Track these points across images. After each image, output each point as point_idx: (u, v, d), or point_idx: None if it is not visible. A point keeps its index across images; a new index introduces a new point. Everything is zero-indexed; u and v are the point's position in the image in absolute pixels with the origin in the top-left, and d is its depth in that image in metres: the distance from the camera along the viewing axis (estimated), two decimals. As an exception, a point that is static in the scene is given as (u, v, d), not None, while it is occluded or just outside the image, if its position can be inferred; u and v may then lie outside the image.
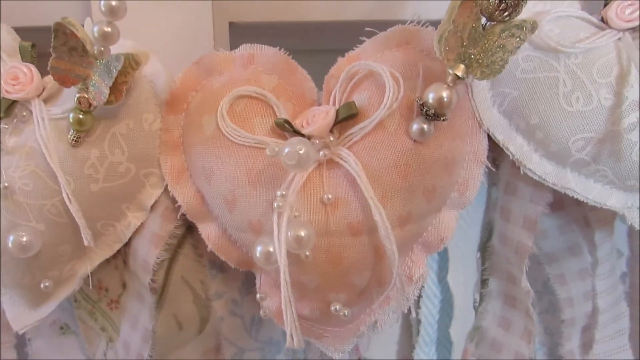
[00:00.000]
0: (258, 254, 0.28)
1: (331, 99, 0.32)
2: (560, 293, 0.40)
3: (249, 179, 0.31)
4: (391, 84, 0.30)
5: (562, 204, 0.38)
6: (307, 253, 0.29)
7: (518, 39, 0.27)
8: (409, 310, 0.36)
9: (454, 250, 0.37)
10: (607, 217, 0.38)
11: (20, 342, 0.44)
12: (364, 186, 0.29)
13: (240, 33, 0.41)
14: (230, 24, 0.41)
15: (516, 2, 0.26)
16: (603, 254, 0.40)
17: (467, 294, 0.39)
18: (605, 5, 0.31)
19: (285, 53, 0.33)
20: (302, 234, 0.28)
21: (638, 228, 0.33)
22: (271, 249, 0.28)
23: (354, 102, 0.31)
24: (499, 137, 0.32)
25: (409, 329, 0.40)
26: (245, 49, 0.34)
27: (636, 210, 0.32)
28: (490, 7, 0.27)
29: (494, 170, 0.37)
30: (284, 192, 0.29)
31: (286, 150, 0.27)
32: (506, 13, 0.27)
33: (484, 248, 0.40)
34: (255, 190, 0.30)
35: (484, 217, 0.39)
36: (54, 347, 0.44)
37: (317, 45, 0.44)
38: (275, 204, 0.28)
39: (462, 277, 0.38)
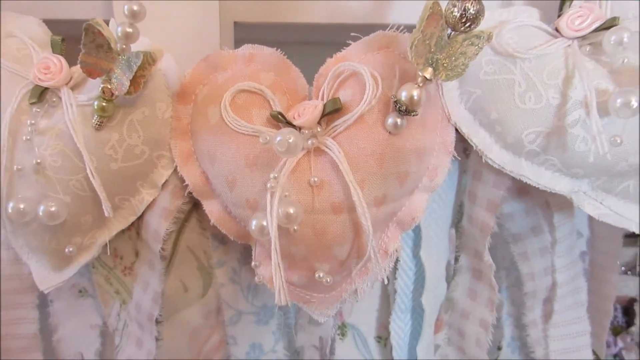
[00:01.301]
0: (253, 227, 0.33)
1: (320, 94, 0.37)
2: (523, 269, 0.45)
3: (247, 163, 0.35)
4: (371, 83, 0.34)
5: (527, 189, 0.43)
6: (295, 227, 0.34)
7: (477, 47, 0.32)
8: (387, 280, 0.41)
9: (427, 229, 0.42)
10: (566, 202, 0.43)
11: (42, 303, 0.48)
12: (345, 171, 0.34)
13: (244, 32, 0.46)
14: (235, 23, 0.45)
15: (475, 16, 0.31)
16: (562, 235, 0.44)
17: (439, 267, 0.44)
18: (559, 16, 0.36)
19: (281, 53, 0.38)
20: (291, 211, 0.33)
21: (585, 210, 0.37)
22: (265, 223, 0.33)
23: (339, 98, 0.35)
24: (464, 130, 0.37)
25: (387, 298, 0.45)
26: (246, 48, 0.38)
27: (582, 194, 0.37)
28: (454, 20, 0.31)
29: (464, 159, 0.42)
30: (276, 175, 0.34)
31: (278, 138, 0.32)
32: (467, 25, 0.31)
33: (457, 228, 0.45)
34: (252, 172, 0.35)
35: (456, 200, 0.44)
36: (72, 307, 0.48)
37: (314, 41, 0.48)
38: (268, 185, 0.33)
39: (435, 253, 0.43)
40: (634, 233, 0.70)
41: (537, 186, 0.37)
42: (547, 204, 0.44)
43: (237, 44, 0.44)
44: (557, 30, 0.36)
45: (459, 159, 0.39)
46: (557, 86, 0.34)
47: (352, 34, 0.37)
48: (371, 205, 0.35)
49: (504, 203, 0.44)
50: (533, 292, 0.46)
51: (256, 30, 0.47)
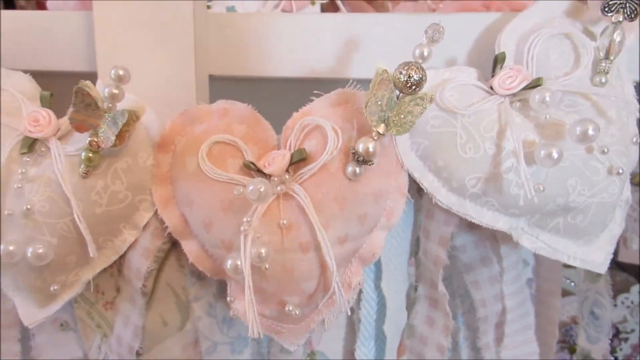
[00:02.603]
0: (228, 267, 0.37)
1: (288, 144, 0.41)
2: (475, 296, 0.50)
3: (222, 207, 0.39)
4: (332, 136, 0.39)
5: (476, 224, 0.48)
6: (267, 266, 0.38)
7: (421, 107, 0.37)
8: (352, 311, 0.45)
9: (387, 262, 0.46)
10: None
11: (24, 337, 0.50)
12: (311, 214, 0.38)
13: (219, 85, 0.50)
14: (210, 76, 0.49)
15: (419, 81, 0.36)
16: (508, 264, 0.49)
17: (399, 297, 0.49)
18: (493, 76, 0.41)
19: (253, 108, 0.42)
20: (263, 251, 0.37)
21: (523, 244, 0.42)
22: (239, 263, 0.37)
23: (304, 148, 0.40)
24: (416, 175, 0.42)
25: (353, 326, 0.49)
26: (221, 103, 0.42)
27: (520, 230, 0.42)
28: (401, 84, 0.36)
29: (418, 199, 0.46)
30: (248, 219, 0.38)
31: (250, 188, 0.36)
32: (412, 88, 0.36)
33: (415, 260, 0.49)
34: (227, 216, 0.39)
35: (412, 236, 0.49)
36: (54, 341, 0.50)
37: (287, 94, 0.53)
38: (242, 228, 0.37)
39: (395, 284, 0.48)
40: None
41: (480, 224, 0.41)
42: (494, 237, 0.49)
43: (212, 96, 0.48)
44: (492, 88, 0.41)
45: (413, 200, 0.43)
46: (492, 138, 0.39)
47: (315, 91, 0.41)
48: (335, 244, 0.39)
49: (456, 237, 0.49)
50: (485, 317, 0.50)
51: (230, 83, 0.51)
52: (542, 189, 0.36)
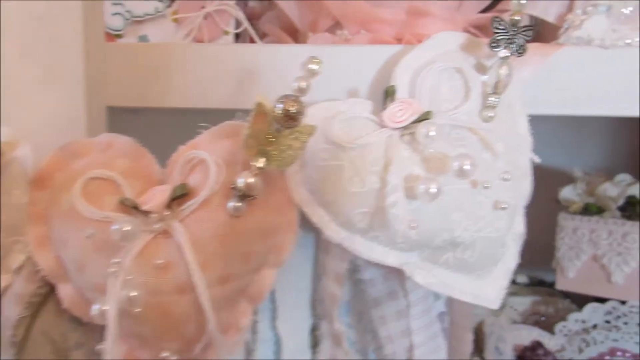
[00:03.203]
0: (95, 312, 0.35)
1: (172, 179, 0.39)
2: (381, 332, 0.49)
3: (95, 248, 0.37)
4: (214, 170, 0.37)
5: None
6: (138, 309, 0.36)
7: (301, 141, 0.36)
8: (249, 352, 0.43)
9: (284, 300, 0.45)
10: (416, 269, 0.47)
11: None
12: (187, 253, 0.36)
13: (117, 116, 0.48)
14: (108, 107, 0.47)
15: (296, 114, 0.35)
16: (415, 298, 0.48)
17: (299, 336, 0.47)
18: (384, 109, 0.41)
19: (138, 142, 0.40)
20: (133, 294, 0.35)
21: (416, 280, 0.41)
22: (105, 308, 0.35)
23: (186, 183, 0.38)
24: (306, 210, 0.40)
25: (252, 368, 0.47)
26: (104, 136, 0.41)
27: (413, 265, 0.41)
28: (280, 118, 0.35)
29: (317, 234, 0.45)
30: (119, 260, 0.35)
31: (113, 227, 0.34)
32: (290, 122, 0.35)
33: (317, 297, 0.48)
34: (99, 257, 0.37)
35: (313, 272, 0.47)
36: None
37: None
38: (110, 270, 0.35)
39: (293, 322, 0.46)
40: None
41: (369, 260, 0.40)
42: (400, 270, 0.48)
43: (111, 128, 0.46)
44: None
45: (313, 234, 0.42)
46: (378, 172, 0.38)
47: (201, 124, 0.40)
48: (215, 284, 0.37)
49: (364, 270, 0.48)
50: (393, 353, 0.49)
51: (130, 115, 0.49)
52: (415, 225, 0.35)
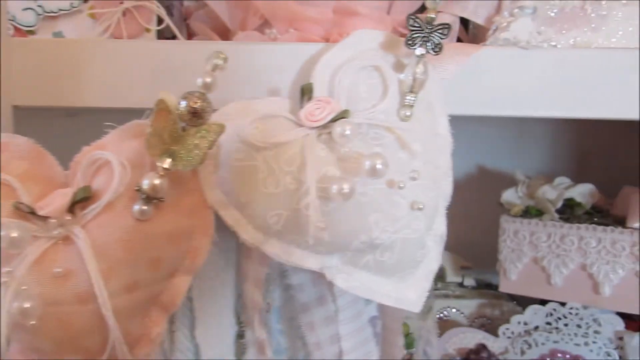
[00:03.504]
0: (-17, 324, 0.32)
1: (75, 182, 0.37)
2: (310, 339, 0.47)
3: (-13, 256, 0.35)
4: (119, 171, 0.35)
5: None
6: (33, 322, 0.33)
7: (208, 139, 0.34)
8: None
9: (203, 309, 0.43)
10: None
11: None
12: (88, 260, 0.34)
13: (24, 116, 0.46)
14: (15, 107, 0.45)
15: (201, 112, 0.33)
16: (344, 303, 0.47)
17: (221, 345, 0.45)
18: (302, 107, 0.39)
19: (35, 142, 0.38)
20: (27, 305, 0.33)
21: (337, 284, 0.40)
22: (-4, 320, 0.32)
23: (89, 186, 0.36)
24: (221, 213, 0.39)
25: (171, 379, 0.45)
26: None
27: (334, 269, 0.40)
28: (184, 116, 0.33)
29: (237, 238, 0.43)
30: (10, 269, 0.33)
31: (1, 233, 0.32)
32: (195, 119, 0.33)
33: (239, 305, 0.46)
34: (-8, 265, 0.34)
35: (236, 279, 0.46)
36: None
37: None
38: (1, 279, 0.33)
39: (214, 331, 0.44)
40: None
41: (287, 263, 0.39)
42: (329, 275, 0.46)
43: (17, 129, 0.44)
44: (305, 119, 0.39)
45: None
46: (293, 173, 0.37)
47: (106, 122, 0.38)
48: (121, 293, 0.35)
49: (293, 274, 0.47)
50: (321, 360, 0.48)
51: (37, 114, 0.47)
52: (323, 226, 0.34)
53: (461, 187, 0.84)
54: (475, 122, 0.82)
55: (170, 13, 0.57)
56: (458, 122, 0.81)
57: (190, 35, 0.56)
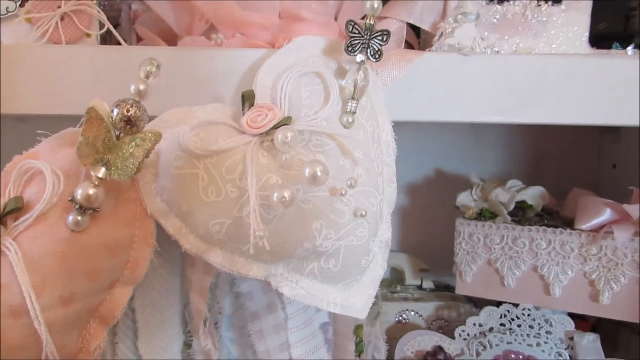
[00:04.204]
0: None
1: (7, 192, 0.36)
2: (259, 347, 0.47)
3: None
4: (52, 181, 0.34)
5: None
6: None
7: (143, 148, 0.33)
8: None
9: (148, 318, 0.42)
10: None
11: None
12: (19, 273, 0.33)
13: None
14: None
15: (135, 120, 0.33)
16: (293, 310, 0.47)
17: (169, 355, 0.44)
18: (243, 115, 0.39)
19: None
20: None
21: (283, 291, 0.39)
22: None
23: (20, 196, 0.35)
24: (162, 222, 0.38)
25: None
26: None
27: (279, 276, 0.39)
28: (118, 124, 0.33)
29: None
30: None
31: None
32: (129, 127, 0.33)
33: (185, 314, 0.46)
34: None
35: (182, 288, 0.45)
36: None
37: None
38: None
39: (160, 342, 0.43)
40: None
41: (231, 272, 0.38)
42: (279, 282, 0.46)
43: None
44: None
45: (171, 248, 0.40)
46: (234, 180, 0.36)
47: (39, 131, 0.37)
48: (57, 305, 0.34)
49: (242, 282, 0.46)
50: (271, 369, 0.47)
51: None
52: (262, 234, 0.34)
53: (420, 191, 0.86)
54: (433, 126, 0.83)
55: (118, 17, 0.56)
56: (416, 127, 0.82)
57: (139, 40, 0.55)
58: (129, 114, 0.32)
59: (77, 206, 0.34)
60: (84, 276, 0.35)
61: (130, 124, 0.32)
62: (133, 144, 0.33)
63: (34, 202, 0.35)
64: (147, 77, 0.33)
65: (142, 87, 0.33)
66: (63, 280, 0.35)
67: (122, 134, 0.33)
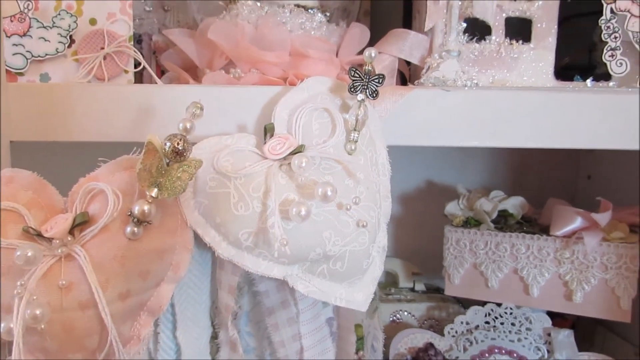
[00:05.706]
0: (2, 330, 0.39)
1: (74, 208, 0.44)
2: (274, 338, 0.55)
3: (2, 272, 0.41)
4: (112, 199, 0.42)
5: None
6: (43, 326, 0.40)
7: (188, 173, 0.41)
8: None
9: (184, 312, 0.50)
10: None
11: None
12: (88, 273, 0.41)
13: (21, 150, 0.51)
14: (11, 142, 0.50)
15: (182, 152, 0.41)
16: (304, 306, 0.55)
17: (199, 344, 0.52)
18: (265, 143, 0.47)
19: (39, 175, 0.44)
20: (38, 312, 0.39)
21: (298, 289, 0.47)
22: (12, 326, 0.39)
23: (87, 211, 0.43)
24: (199, 231, 0.46)
25: (154, 375, 0.52)
26: (7, 171, 0.44)
27: (295, 276, 0.47)
28: (168, 154, 0.41)
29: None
30: (22, 282, 0.39)
31: (17, 253, 0.38)
32: (178, 157, 0.41)
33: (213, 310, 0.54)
34: (6, 281, 0.41)
35: (211, 287, 0.53)
36: None
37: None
38: (15, 291, 0.39)
39: (193, 332, 0.51)
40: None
41: (256, 272, 0.46)
42: (291, 282, 0.54)
43: (14, 162, 0.49)
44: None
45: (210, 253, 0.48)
46: (259, 198, 0.44)
47: (100, 158, 0.45)
48: (116, 300, 0.42)
49: (260, 282, 0.54)
50: (285, 356, 0.55)
51: (33, 148, 0.52)
52: (285, 243, 0.42)
53: (412, 201, 0.92)
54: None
55: (139, 48, 0.63)
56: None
57: (159, 67, 0.63)
58: (178, 146, 0.40)
59: (135, 219, 0.42)
60: (138, 276, 0.43)
61: (179, 154, 0.41)
62: (180, 169, 0.41)
63: (98, 217, 0.43)
64: (192, 117, 0.41)
65: (188, 125, 0.41)
66: (122, 279, 0.42)
67: (171, 162, 0.41)
